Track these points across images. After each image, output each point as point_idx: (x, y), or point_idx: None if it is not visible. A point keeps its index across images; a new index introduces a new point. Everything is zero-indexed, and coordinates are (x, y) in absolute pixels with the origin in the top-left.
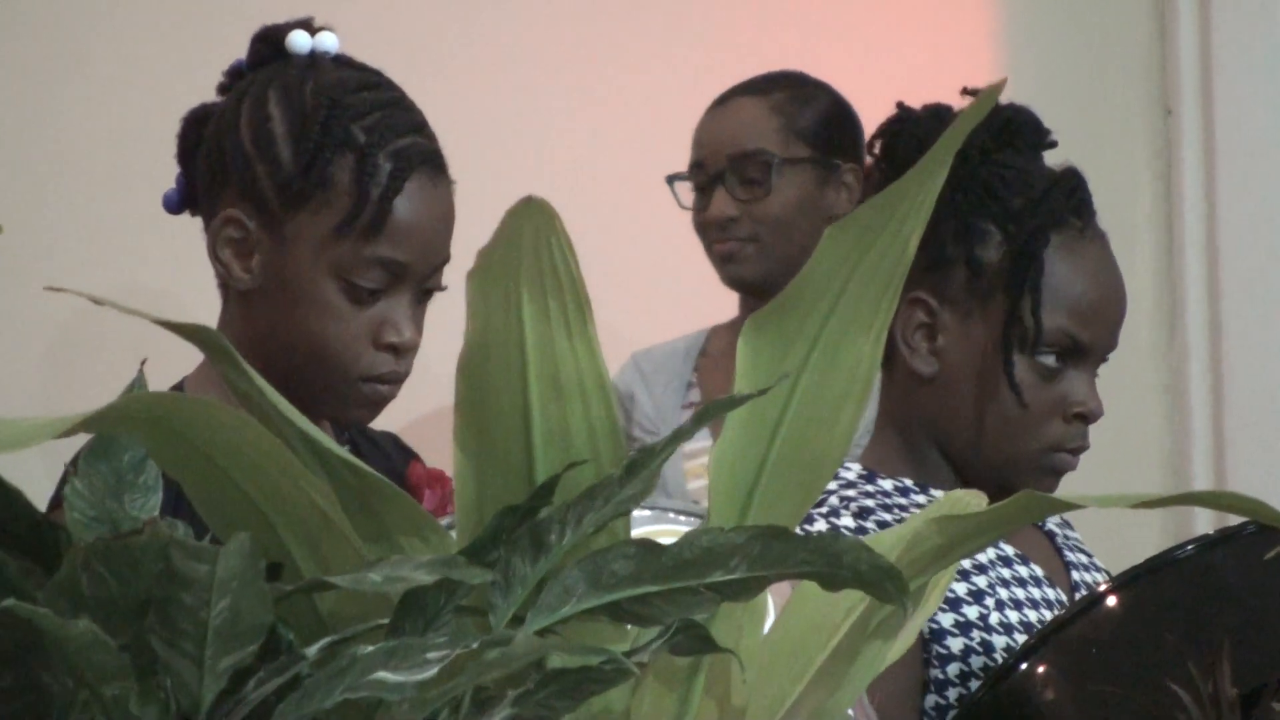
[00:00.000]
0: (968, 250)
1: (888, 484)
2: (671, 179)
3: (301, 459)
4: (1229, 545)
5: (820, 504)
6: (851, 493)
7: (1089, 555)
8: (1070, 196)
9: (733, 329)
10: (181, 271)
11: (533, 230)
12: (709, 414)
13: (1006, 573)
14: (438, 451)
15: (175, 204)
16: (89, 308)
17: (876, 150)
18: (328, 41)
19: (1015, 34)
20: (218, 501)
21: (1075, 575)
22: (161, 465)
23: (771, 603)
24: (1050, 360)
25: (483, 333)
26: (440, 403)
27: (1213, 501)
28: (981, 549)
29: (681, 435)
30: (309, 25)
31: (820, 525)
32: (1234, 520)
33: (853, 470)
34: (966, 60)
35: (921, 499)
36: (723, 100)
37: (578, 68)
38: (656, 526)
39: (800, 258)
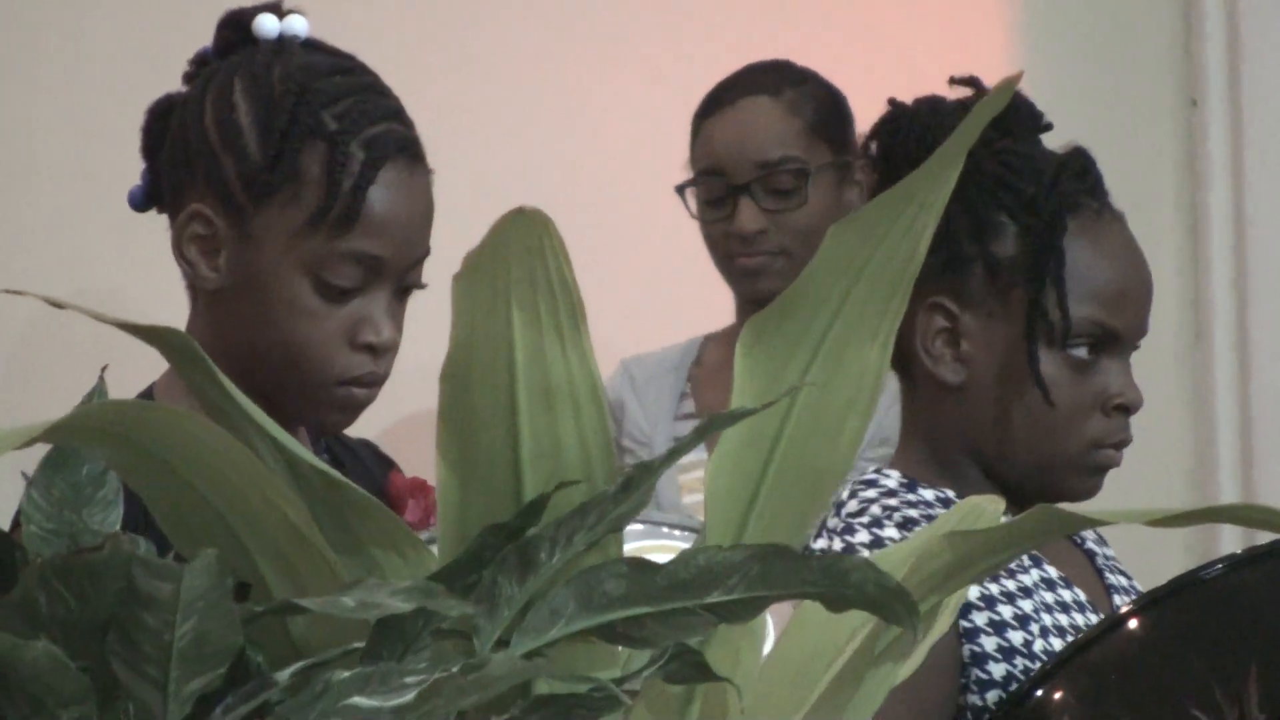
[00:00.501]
0: (983, 246)
1: (929, 494)
2: (683, 187)
3: (272, 470)
4: (1258, 565)
5: (861, 513)
6: (894, 501)
7: (1128, 576)
8: (1082, 177)
9: (728, 339)
10: (147, 272)
11: (523, 234)
12: (710, 428)
13: (1050, 597)
14: (419, 462)
15: (140, 201)
16: (48, 311)
17: (873, 150)
18: (297, 25)
19: (1035, 22)
20: (183, 516)
21: (1117, 599)
22: (123, 478)
23: (771, 625)
24: (1082, 352)
25: (468, 338)
26: (419, 409)
27: (1240, 517)
28: (997, 568)
29: (680, 450)
30: (277, 8)
31: (863, 536)
32: (1263, 538)
33: (892, 477)
34: (984, 48)
35: None
36: (731, 101)
37: (574, 67)
38: (650, 542)
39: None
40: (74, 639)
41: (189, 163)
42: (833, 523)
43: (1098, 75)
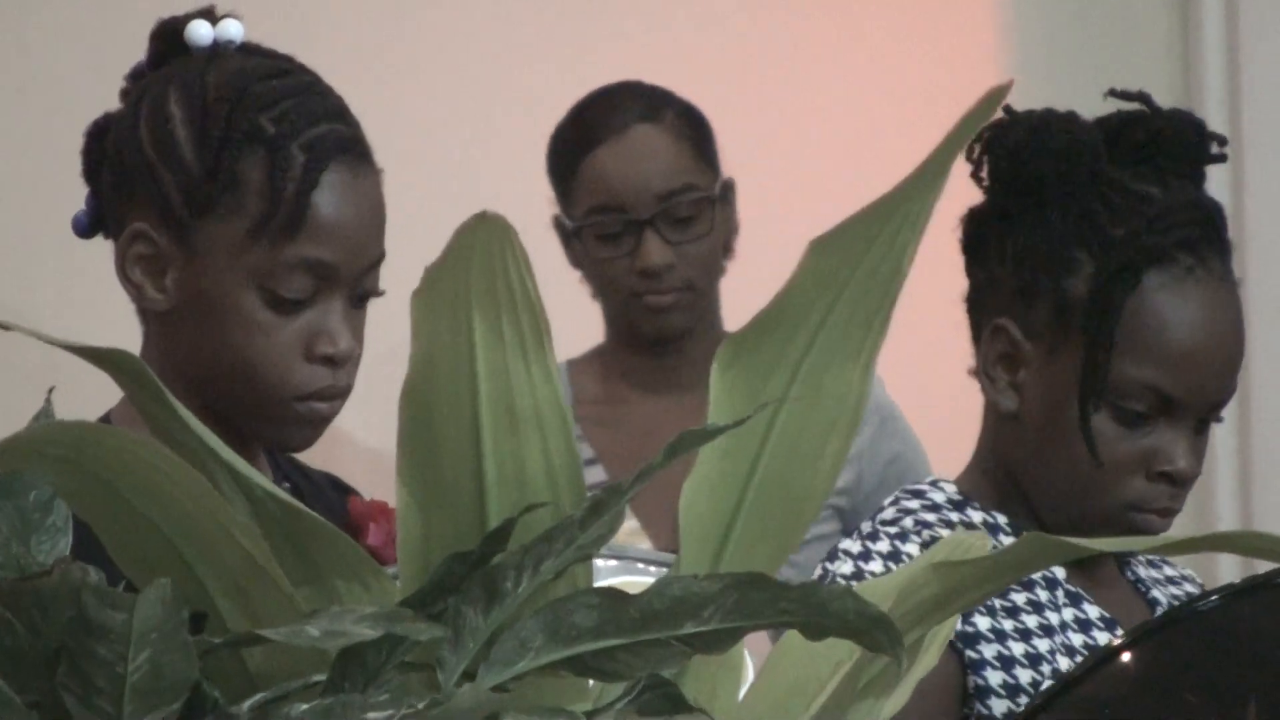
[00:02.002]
0: (1055, 280)
1: (977, 516)
2: (578, 228)
3: (227, 496)
4: (1258, 595)
5: (893, 523)
6: (931, 518)
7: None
8: (1182, 229)
9: (600, 366)
10: (95, 293)
11: (485, 246)
12: (681, 447)
13: (1078, 640)
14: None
15: (85, 227)
16: None
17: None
18: (231, 30)
19: (1027, 28)
20: (134, 544)
21: None
22: (72, 504)
23: (750, 661)
24: (1139, 408)
25: (429, 356)
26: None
27: (1239, 545)
28: (985, 599)
29: (648, 472)
30: (210, 14)
31: (883, 545)
32: (1263, 565)
33: (945, 492)
34: (977, 56)
35: (1008, 542)
36: (617, 131)
37: (539, 67)
38: (623, 578)
39: (714, 286)
40: (22, 671)
41: (128, 181)
42: (865, 526)
43: (1092, 82)
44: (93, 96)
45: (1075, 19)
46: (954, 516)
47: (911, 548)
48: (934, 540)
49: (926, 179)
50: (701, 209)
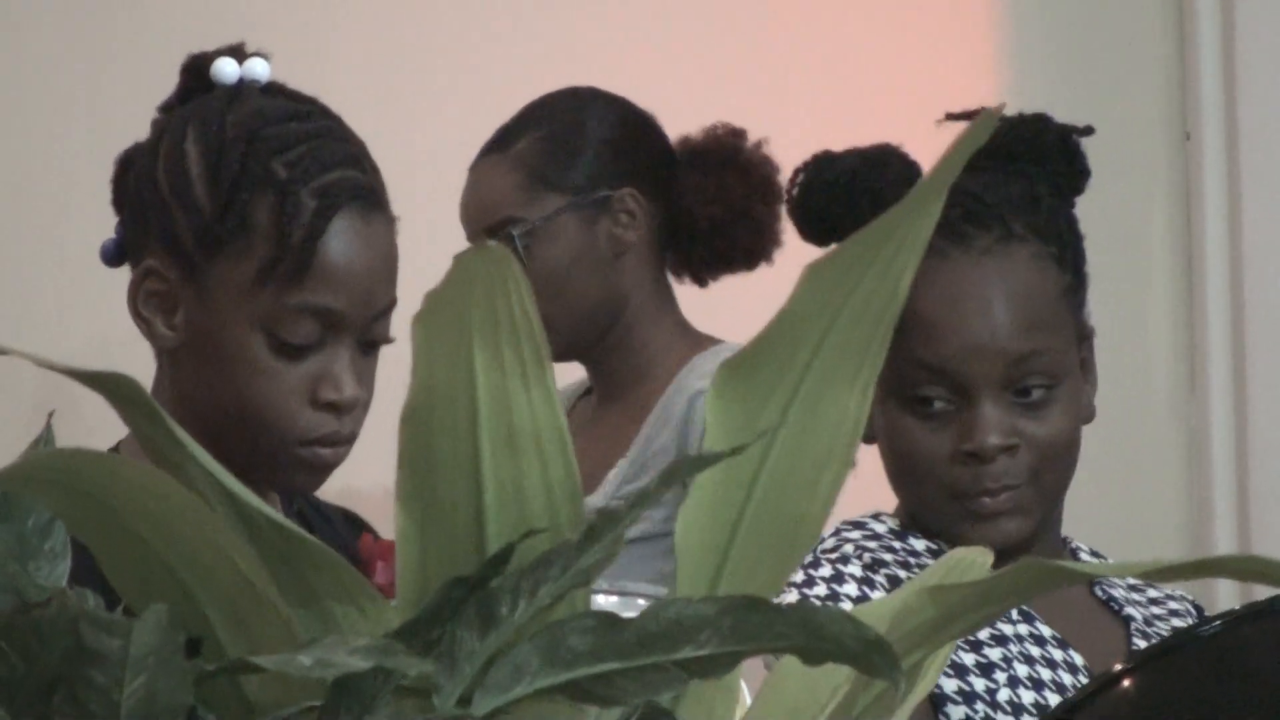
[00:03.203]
0: None
1: (920, 544)
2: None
3: (225, 522)
4: (1259, 622)
5: (834, 550)
6: (872, 545)
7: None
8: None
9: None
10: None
11: (486, 273)
12: (677, 474)
13: (1036, 651)
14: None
15: (113, 255)
16: None
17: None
18: (257, 69)
19: (1026, 53)
20: (132, 569)
21: None
22: (71, 529)
23: (745, 687)
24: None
25: (429, 381)
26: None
27: (1237, 570)
28: (984, 624)
29: (645, 499)
30: (239, 52)
31: (825, 570)
32: (1261, 591)
33: (885, 524)
34: (972, 80)
35: None
36: (473, 164)
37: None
38: (627, 614)
39: (598, 306)
40: (18, 700)
41: (144, 216)
42: (807, 556)
43: (1091, 107)
44: (86, 119)
45: (1074, 51)
46: (896, 544)
47: (854, 568)
48: (877, 563)
49: (922, 202)
50: (531, 239)
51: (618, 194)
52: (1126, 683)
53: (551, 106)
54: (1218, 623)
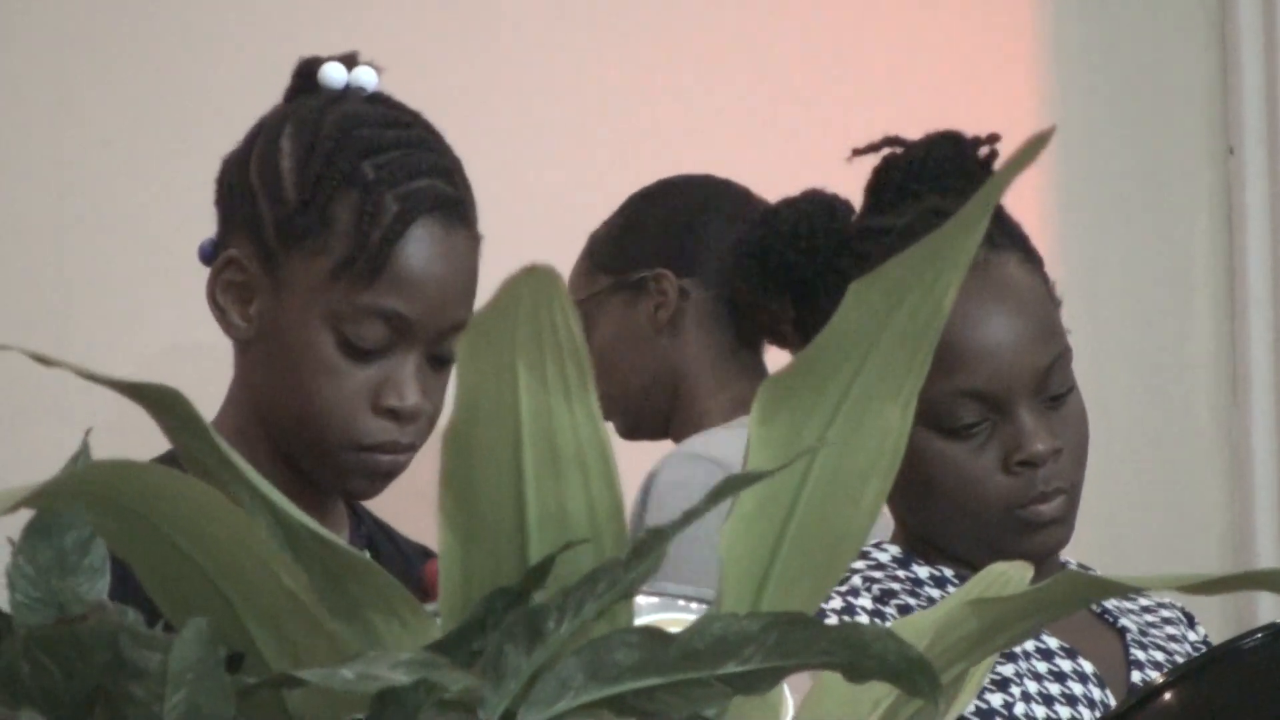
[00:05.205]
0: None
1: (924, 571)
2: None
3: (267, 532)
4: None
5: (843, 581)
6: (879, 574)
7: (1169, 655)
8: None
9: None
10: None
11: (532, 293)
12: (724, 492)
13: (1043, 666)
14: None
15: (209, 255)
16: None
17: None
18: (364, 77)
19: (1070, 71)
20: (173, 583)
21: (1136, 675)
22: (110, 543)
23: (790, 699)
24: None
25: (473, 398)
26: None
27: (1278, 583)
28: (1026, 637)
29: (694, 514)
30: (351, 59)
31: (836, 603)
32: None
33: (888, 553)
34: (1015, 98)
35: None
36: None
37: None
38: (664, 615)
39: (652, 383)
40: (59, 713)
41: (233, 206)
42: None
43: (1134, 123)
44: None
45: (1117, 69)
46: (901, 573)
47: (864, 601)
48: (887, 593)
49: (968, 222)
50: (585, 318)
51: (652, 274)
52: (1168, 695)
53: (639, 192)
54: (1259, 635)
